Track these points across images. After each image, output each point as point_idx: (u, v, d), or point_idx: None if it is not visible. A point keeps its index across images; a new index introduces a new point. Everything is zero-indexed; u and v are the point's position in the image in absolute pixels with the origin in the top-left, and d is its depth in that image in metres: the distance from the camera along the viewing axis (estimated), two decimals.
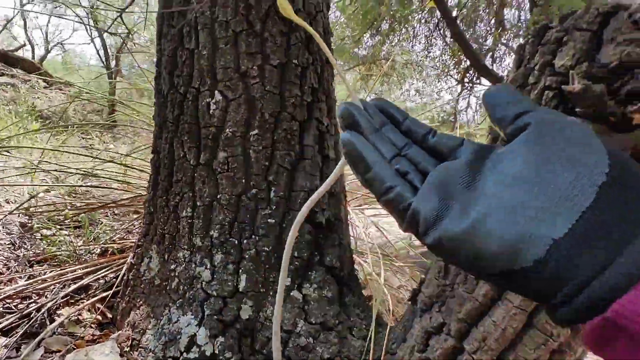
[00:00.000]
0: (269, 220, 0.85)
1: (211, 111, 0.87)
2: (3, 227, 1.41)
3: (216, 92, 0.87)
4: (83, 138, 4.37)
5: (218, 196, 0.86)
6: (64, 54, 12.59)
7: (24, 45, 8.15)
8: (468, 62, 4.20)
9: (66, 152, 2.39)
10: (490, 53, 4.41)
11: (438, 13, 4.05)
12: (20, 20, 9.87)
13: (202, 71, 0.89)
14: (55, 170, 1.97)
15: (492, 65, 4.52)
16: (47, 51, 10.96)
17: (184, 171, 0.89)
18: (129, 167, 1.80)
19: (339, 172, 0.34)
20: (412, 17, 4.23)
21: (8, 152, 2.86)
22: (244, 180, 0.85)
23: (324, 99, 0.93)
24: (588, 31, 0.41)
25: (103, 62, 7.61)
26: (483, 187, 0.24)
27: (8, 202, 1.78)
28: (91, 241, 1.43)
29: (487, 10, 4.07)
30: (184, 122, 0.90)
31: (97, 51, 9.24)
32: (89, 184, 2.03)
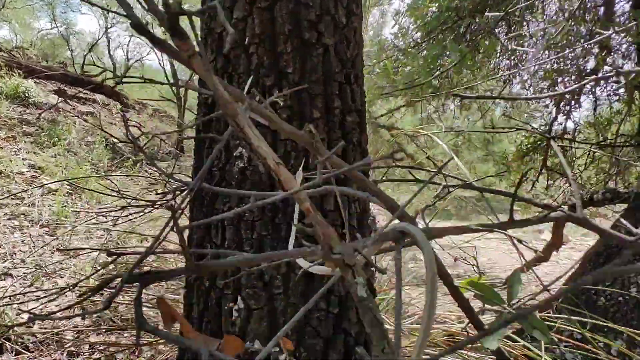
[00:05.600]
0: None
1: (233, 318, 0.86)
2: None
3: (239, 298, 0.86)
4: (150, 173, 4.69)
5: None
6: (141, 71, 13.72)
7: (105, 70, 9.02)
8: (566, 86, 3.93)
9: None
10: (594, 75, 4.06)
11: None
12: (105, 41, 10.90)
13: (226, 271, 0.88)
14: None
15: (595, 87, 4.16)
16: (127, 69, 12.05)
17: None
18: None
19: None
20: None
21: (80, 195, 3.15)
22: None
23: (353, 306, 0.88)
24: None
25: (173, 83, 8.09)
26: None
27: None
28: None
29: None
30: (207, 321, 0.90)
31: (163, 68, 9.94)
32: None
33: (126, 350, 1.49)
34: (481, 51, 3.65)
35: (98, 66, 10.06)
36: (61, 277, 1.93)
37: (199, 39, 1.04)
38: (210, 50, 0.99)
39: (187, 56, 0.30)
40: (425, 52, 4.16)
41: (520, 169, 4.84)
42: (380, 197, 0.54)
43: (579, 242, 8.33)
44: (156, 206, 1.21)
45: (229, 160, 0.91)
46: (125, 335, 1.66)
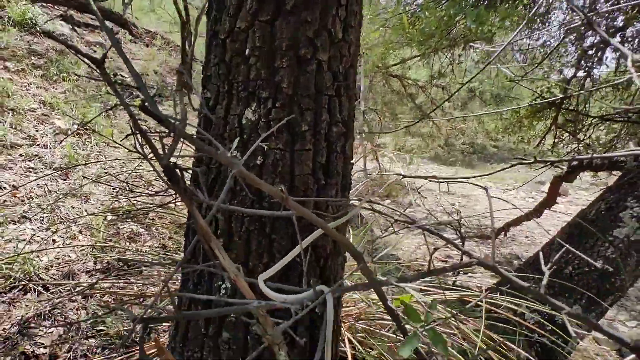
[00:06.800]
0: None
1: (221, 294, 1.07)
2: None
3: (226, 279, 1.06)
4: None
5: None
6: None
7: None
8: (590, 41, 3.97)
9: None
10: (620, 32, 4.07)
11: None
12: None
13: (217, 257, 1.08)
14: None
15: (623, 44, 4.18)
16: None
17: (195, 335, 1.12)
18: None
19: None
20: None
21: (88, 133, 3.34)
22: None
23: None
24: None
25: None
26: None
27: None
28: None
29: None
30: (201, 292, 1.11)
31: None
32: None
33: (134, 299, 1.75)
34: (498, 18, 3.60)
35: None
36: (75, 223, 2.17)
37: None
38: (214, 55, 1.11)
39: (178, 194, 0.46)
40: (444, 6, 4.09)
41: (532, 125, 4.91)
42: (346, 246, 0.71)
43: (578, 197, 8.53)
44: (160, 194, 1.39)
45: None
46: (132, 280, 1.92)
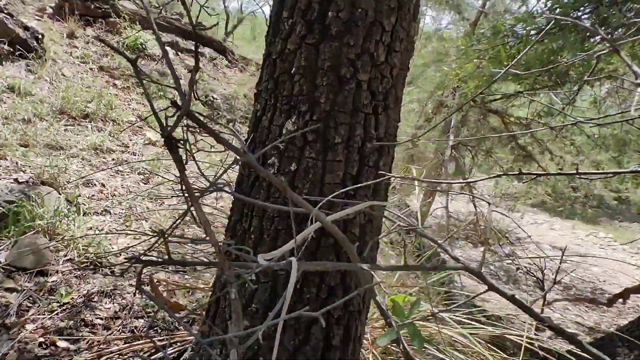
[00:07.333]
0: None
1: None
2: None
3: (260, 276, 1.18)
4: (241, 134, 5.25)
5: None
6: (253, 25, 14.51)
7: (217, 24, 9.84)
8: None
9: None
10: None
11: None
12: None
13: (255, 248, 1.20)
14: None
15: None
16: (239, 21, 12.90)
17: (221, 320, 1.24)
18: None
19: None
20: None
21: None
22: None
23: (340, 294, 1.15)
24: None
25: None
26: None
27: None
28: None
29: None
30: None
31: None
32: None
33: (183, 289, 1.94)
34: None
35: (210, 14, 10.96)
36: (146, 221, 2.46)
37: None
38: (265, 73, 1.28)
39: (174, 160, 0.59)
40: (547, 39, 3.94)
41: None
42: (336, 234, 0.80)
43: None
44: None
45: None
46: (187, 277, 2.12)
